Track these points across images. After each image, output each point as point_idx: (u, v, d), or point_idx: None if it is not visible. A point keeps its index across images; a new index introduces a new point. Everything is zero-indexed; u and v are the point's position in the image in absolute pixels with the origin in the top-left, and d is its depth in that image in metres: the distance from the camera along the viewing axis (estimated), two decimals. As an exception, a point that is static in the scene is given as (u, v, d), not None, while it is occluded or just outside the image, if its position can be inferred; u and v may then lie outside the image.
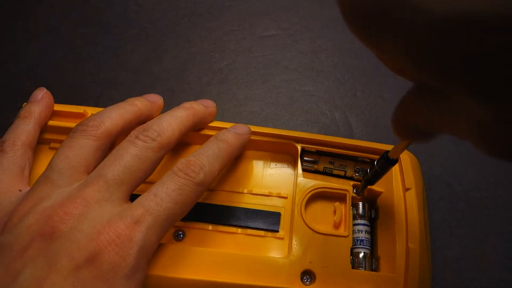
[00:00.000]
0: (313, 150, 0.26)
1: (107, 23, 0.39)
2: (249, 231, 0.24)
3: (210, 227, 0.24)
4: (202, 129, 0.27)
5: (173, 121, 0.23)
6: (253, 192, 0.26)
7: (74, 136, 0.21)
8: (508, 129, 0.11)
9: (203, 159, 0.21)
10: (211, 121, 0.27)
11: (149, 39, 0.38)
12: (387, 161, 0.22)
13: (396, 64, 0.13)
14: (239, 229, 0.24)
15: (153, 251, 0.19)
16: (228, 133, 0.24)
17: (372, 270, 0.23)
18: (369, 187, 0.25)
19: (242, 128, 0.25)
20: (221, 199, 0.25)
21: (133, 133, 0.21)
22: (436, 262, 0.28)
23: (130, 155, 0.20)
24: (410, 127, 0.16)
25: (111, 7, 0.40)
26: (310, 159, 0.26)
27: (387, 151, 0.21)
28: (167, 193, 0.19)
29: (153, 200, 0.19)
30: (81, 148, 0.21)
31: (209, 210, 0.25)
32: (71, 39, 0.38)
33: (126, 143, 0.21)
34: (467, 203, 0.30)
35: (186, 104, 0.25)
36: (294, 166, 0.26)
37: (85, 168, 0.21)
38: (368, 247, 0.24)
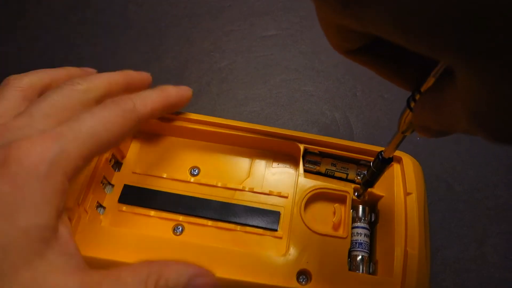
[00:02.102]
0: (316, 151, 0.26)
1: (107, 23, 0.39)
2: (248, 228, 0.24)
3: (209, 222, 0.25)
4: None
5: (107, 76, 0.23)
6: (254, 190, 0.26)
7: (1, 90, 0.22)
8: (500, 108, 0.11)
9: (134, 95, 0.22)
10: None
11: (149, 39, 0.38)
12: (382, 161, 0.22)
13: (379, 30, 0.12)
14: (238, 226, 0.24)
15: (74, 166, 0.18)
16: (167, 85, 0.25)
17: (369, 273, 0.23)
18: (370, 190, 0.25)
19: (182, 86, 0.26)
20: (222, 195, 0.26)
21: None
22: (436, 262, 0.28)
23: (56, 93, 0.20)
24: (425, 128, 0.16)
25: (111, 7, 0.40)
26: (312, 160, 0.26)
27: (382, 151, 0.21)
28: (92, 114, 0.19)
29: (76, 120, 0.19)
30: (7, 99, 0.21)
31: (209, 205, 0.25)
32: (71, 39, 0.38)
33: (53, 88, 0.21)
34: (467, 203, 0.30)
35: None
36: (296, 166, 0.26)
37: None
38: (366, 251, 0.24)
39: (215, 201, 0.25)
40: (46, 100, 0.20)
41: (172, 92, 0.25)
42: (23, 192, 0.16)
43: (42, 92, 0.23)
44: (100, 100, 0.22)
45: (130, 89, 0.25)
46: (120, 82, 0.24)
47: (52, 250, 0.16)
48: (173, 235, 0.24)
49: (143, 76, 0.26)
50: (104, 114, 0.20)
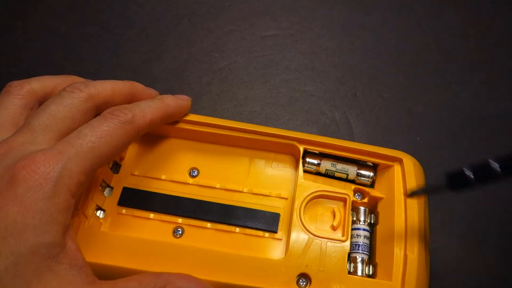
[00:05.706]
0: (315, 151, 0.26)
1: (107, 23, 0.39)
2: (248, 230, 0.24)
3: (209, 225, 0.24)
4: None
5: (111, 85, 0.23)
6: (254, 191, 0.26)
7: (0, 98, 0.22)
8: None
9: (133, 106, 0.22)
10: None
11: (149, 39, 0.38)
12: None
13: None
14: (238, 228, 0.24)
15: (76, 182, 0.18)
16: (166, 95, 0.25)
17: (369, 276, 0.23)
18: (369, 191, 0.25)
19: (181, 95, 0.26)
20: (221, 197, 0.25)
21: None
22: (436, 262, 0.28)
23: (55, 103, 0.21)
24: None
25: (111, 7, 0.40)
26: (312, 160, 0.26)
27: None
28: (91, 129, 0.20)
29: (76, 135, 0.19)
30: (6, 108, 0.21)
31: (208, 208, 0.25)
32: (71, 39, 0.38)
33: (53, 96, 0.21)
34: (467, 203, 0.30)
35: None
36: (296, 167, 0.26)
37: (14, 127, 0.21)
38: (366, 253, 0.24)
39: (215, 203, 0.25)
40: (45, 112, 0.20)
41: (171, 103, 0.25)
42: (31, 212, 0.17)
43: (45, 99, 0.23)
44: (101, 107, 0.22)
45: (134, 101, 0.25)
46: (125, 93, 0.24)
47: (61, 265, 0.17)
48: (173, 238, 0.24)
49: (150, 92, 0.26)
50: (104, 128, 0.20)
